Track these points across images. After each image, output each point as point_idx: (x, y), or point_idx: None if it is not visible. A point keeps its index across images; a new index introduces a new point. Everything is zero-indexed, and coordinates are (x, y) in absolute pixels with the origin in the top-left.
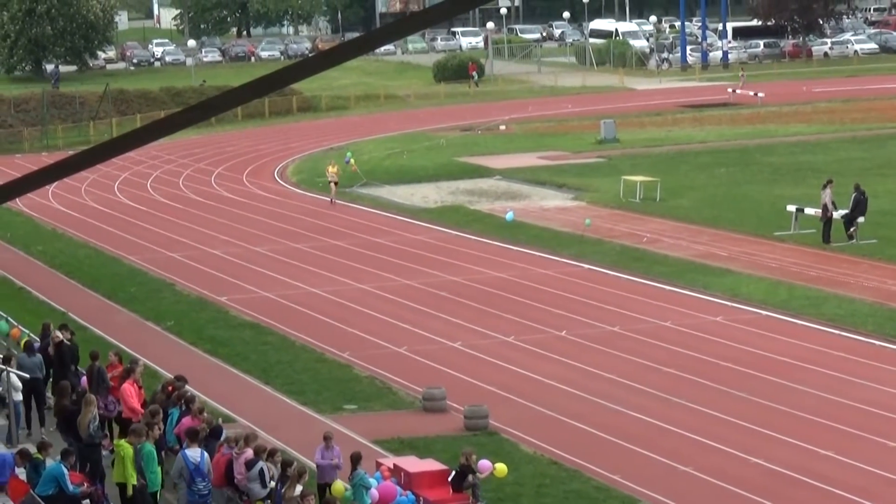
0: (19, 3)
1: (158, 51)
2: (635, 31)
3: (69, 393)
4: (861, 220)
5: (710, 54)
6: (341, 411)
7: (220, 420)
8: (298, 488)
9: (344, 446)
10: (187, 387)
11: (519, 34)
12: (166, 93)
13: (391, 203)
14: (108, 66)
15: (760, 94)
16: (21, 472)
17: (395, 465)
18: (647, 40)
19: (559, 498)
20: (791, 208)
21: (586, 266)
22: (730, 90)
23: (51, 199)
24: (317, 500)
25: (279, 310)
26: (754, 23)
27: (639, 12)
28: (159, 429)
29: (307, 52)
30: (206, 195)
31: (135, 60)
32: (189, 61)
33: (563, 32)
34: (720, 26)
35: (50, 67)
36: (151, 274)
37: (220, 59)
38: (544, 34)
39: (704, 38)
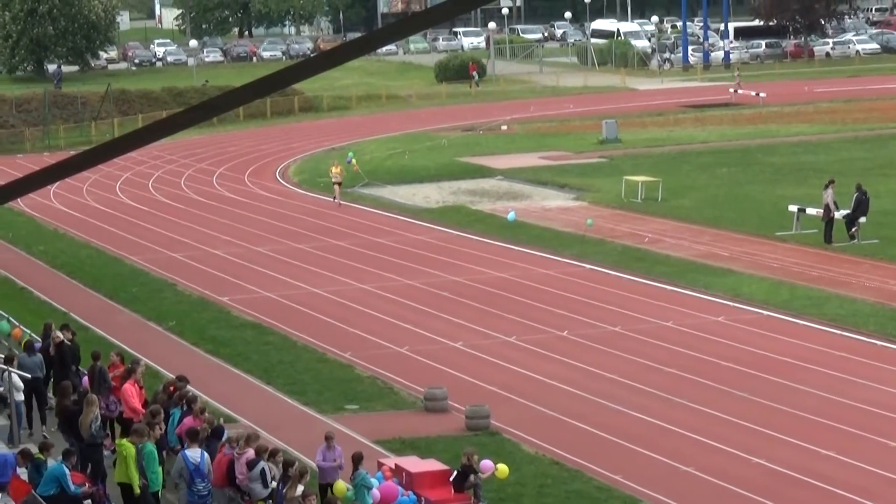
0: (21, 3)
1: (160, 51)
2: (637, 31)
3: (70, 393)
4: (863, 220)
5: (712, 54)
6: (343, 411)
7: (222, 420)
8: (300, 488)
9: (345, 446)
10: (189, 387)
11: (520, 34)
12: (168, 93)
13: (393, 203)
14: (110, 67)
15: (762, 95)
16: (23, 472)
17: (396, 465)
18: (649, 40)
19: (561, 498)
20: (793, 208)
21: (588, 266)
22: (731, 90)
23: (52, 199)
24: (318, 500)
25: (281, 310)
26: (756, 23)
27: (640, 12)
28: (160, 429)
29: (309, 52)
30: (208, 195)
31: (136, 60)
32: (191, 61)
33: (564, 32)
34: (722, 26)
35: (52, 67)
36: (153, 274)
37: (221, 59)
38: (546, 34)
39: (706, 38)
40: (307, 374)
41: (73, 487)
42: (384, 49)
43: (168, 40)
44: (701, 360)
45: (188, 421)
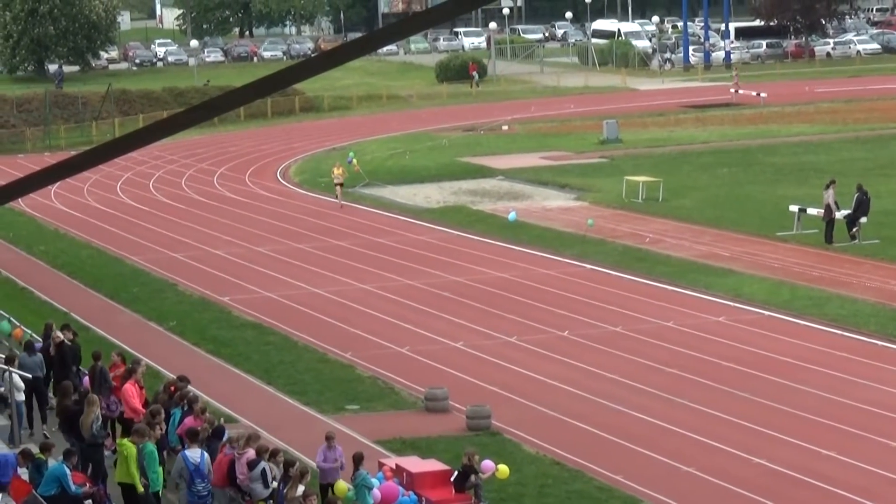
0: (22, 3)
1: (161, 51)
2: (638, 31)
3: (71, 393)
4: (863, 220)
5: (713, 54)
6: (343, 411)
7: (222, 420)
8: (301, 488)
9: (346, 446)
10: (190, 387)
11: (521, 34)
12: (169, 93)
13: (394, 203)
14: (111, 67)
15: (763, 95)
16: (23, 472)
17: (397, 465)
18: (650, 40)
19: (561, 498)
20: (793, 208)
21: (589, 266)
22: (732, 91)
23: (53, 199)
24: (319, 501)
25: (281, 310)
26: (757, 23)
27: (641, 12)
28: (161, 429)
29: (310, 52)
30: (209, 195)
31: (137, 60)
32: (191, 61)
33: (565, 33)
34: (723, 26)
35: (53, 68)
36: (154, 274)
37: (222, 59)
38: (547, 34)
39: (707, 38)
40: (308, 375)
41: (73, 487)
42: (385, 49)
43: (169, 40)
44: (702, 360)
45: (189, 421)
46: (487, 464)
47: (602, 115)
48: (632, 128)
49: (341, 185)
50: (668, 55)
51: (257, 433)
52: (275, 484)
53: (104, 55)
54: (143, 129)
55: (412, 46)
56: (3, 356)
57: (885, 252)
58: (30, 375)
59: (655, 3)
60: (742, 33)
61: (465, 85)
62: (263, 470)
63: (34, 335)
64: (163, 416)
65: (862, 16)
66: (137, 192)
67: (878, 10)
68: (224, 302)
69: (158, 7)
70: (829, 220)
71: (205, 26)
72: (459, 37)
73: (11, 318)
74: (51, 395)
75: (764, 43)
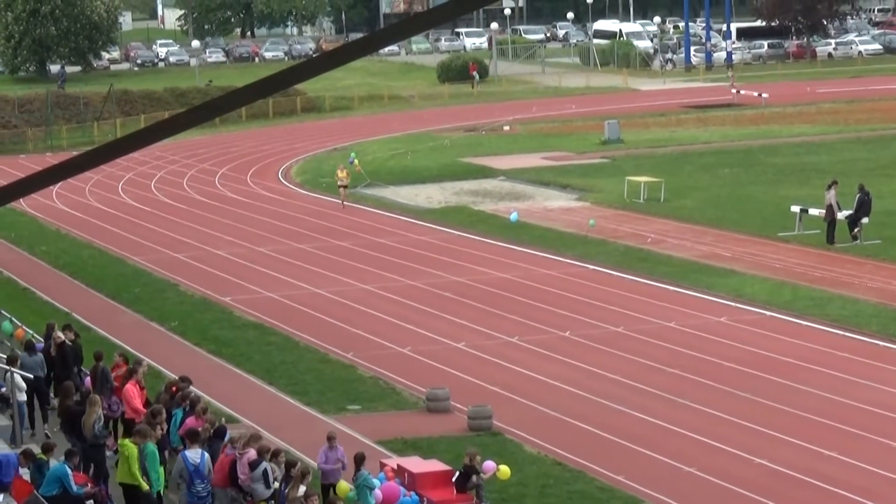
0: (23, 3)
1: (162, 51)
2: (639, 31)
3: (73, 393)
4: (865, 220)
5: (714, 55)
6: (345, 412)
7: (223, 420)
8: (302, 489)
9: (347, 447)
10: (191, 387)
11: (523, 35)
12: (170, 93)
13: (395, 203)
14: (112, 67)
15: (764, 95)
16: (25, 473)
17: (398, 465)
18: (651, 41)
19: (563, 498)
20: (795, 209)
21: (590, 267)
22: (733, 91)
23: (55, 199)
24: (320, 501)
25: (283, 310)
26: (758, 23)
27: (643, 13)
28: (162, 429)
29: (311, 52)
30: (210, 196)
31: (139, 61)
32: (193, 62)
33: (566, 33)
34: (724, 27)
35: (55, 68)
36: (155, 274)
37: (224, 59)
38: (548, 35)
39: (708, 38)
40: (309, 375)
41: (75, 488)
42: (386, 49)
43: (170, 41)
44: (703, 360)
45: (190, 421)
46: (489, 464)
47: (603, 116)
48: (633, 128)
49: (345, 187)
50: (669, 55)
51: (259, 433)
52: (276, 484)
53: (106, 56)
54: (144, 129)
55: (414, 47)
56: (5, 356)
57: (886, 252)
58: (31, 375)
59: (657, 4)
60: (743, 34)
61: (467, 85)
62: (265, 470)
63: (36, 335)
64: (164, 416)
65: (863, 16)
66: (139, 192)
67: (879, 10)
68: (225, 302)
69: (160, 7)
70: (830, 220)
71: (206, 27)
72: (461, 37)
73: (13, 319)
74: (52, 395)
75: (765, 43)
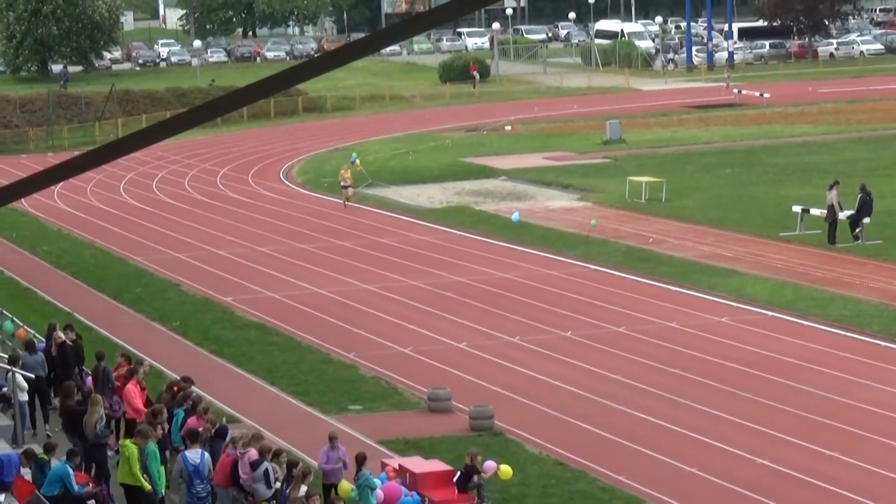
0: (25, 3)
1: (164, 51)
2: (641, 31)
3: (74, 393)
4: (867, 220)
5: (716, 55)
6: (346, 412)
7: (224, 420)
8: (303, 489)
9: (349, 447)
10: (193, 388)
11: (524, 35)
12: (172, 93)
13: (396, 203)
14: (114, 67)
15: (766, 95)
16: (26, 473)
17: (400, 465)
18: (653, 41)
19: (564, 498)
20: (796, 209)
21: (592, 267)
22: (735, 91)
23: (56, 199)
24: (322, 501)
25: (285, 310)
26: (760, 23)
27: (644, 13)
28: (163, 429)
29: (313, 52)
30: (212, 195)
31: (140, 61)
32: (195, 62)
33: (568, 33)
34: (726, 27)
35: (57, 68)
36: (157, 274)
37: (225, 59)
38: (550, 35)
39: (710, 38)
40: (311, 375)
41: (76, 487)
42: (388, 49)
43: (172, 41)
44: (705, 360)
45: (192, 421)
46: (489, 464)
47: (605, 116)
48: (635, 128)
49: (348, 187)
50: (671, 55)
51: (260, 433)
52: (278, 484)
53: (107, 55)
54: (146, 129)
55: (415, 47)
56: (7, 356)
57: (888, 252)
58: (32, 375)
59: (658, 4)
60: (745, 34)
61: (468, 85)
62: (266, 470)
63: (37, 335)
64: (165, 415)
65: (865, 16)
66: (140, 192)
67: (881, 10)
68: (227, 302)
69: (162, 7)
70: (832, 220)
71: (208, 27)
72: (462, 37)
73: (14, 319)
74: (53, 395)
75: (767, 43)
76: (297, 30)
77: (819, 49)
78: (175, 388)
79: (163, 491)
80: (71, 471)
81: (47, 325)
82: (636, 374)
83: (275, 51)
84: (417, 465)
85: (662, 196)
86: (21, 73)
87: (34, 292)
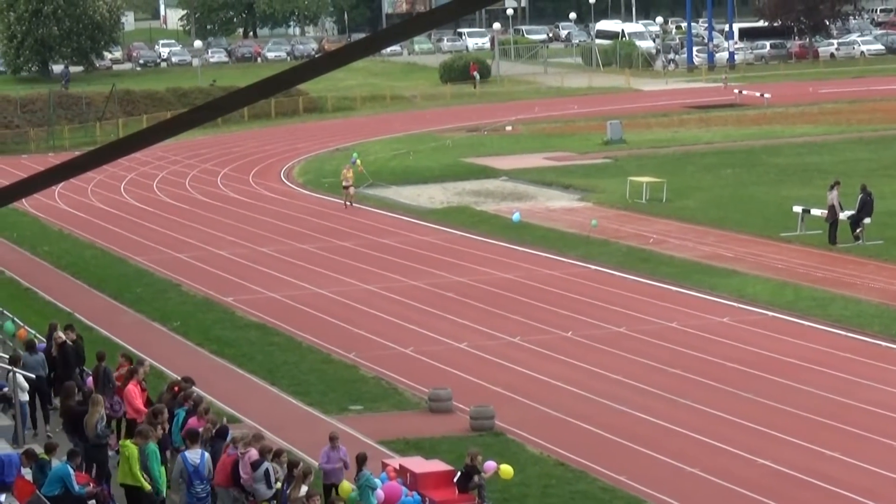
0: (26, 3)
1: (165, 51)
2: (641, 31)
3: (75, 393)
4: (867, 221)
5: (717, 55)
6: (347, 412)
7: (225, 420)
8: (304, 489)
9: (350, 447)
10: (194, 388)
11: (525, 35)
12: (173, 93)
13: (397, 204)
14: (115, 67)
15: (767, 95)
16: (27, 473)
17: (400, 465)
18: (654, 41)
19: (565, 498)
20: (797, 209)
21: (592, 267)
22: (736, 91)
23: (57, 199)
24: (322, 501)
25: (285, 310)
26: (761, 24)
27: (645, 13)
28: (163, 429)
29: (313, 52)
30: (213, 196)
31: (141, 61)
32: (195, 62)
33: (569, 33)
34: (726, 27)
35: (58, 68)
36: (157, 274)
37: (226, 59)
38: (550, 35)
39: (711, 38)
40: (312, 375)
41: (77, 488)
42: (389, 50)
43: (173, 41)
44: (705, 360)
45: (193, 421)
46: (490, 464)
47: (606, 116)
48: (635, 128)
49: (348, 187)
50: (671, 56)
51: (261, 433)
52: (278, 485)
53: (108, 56)
54: (146, 129)
55: (416, 47)
56: (8, 357)
57: (888, 253)
58: (33, 375)
59: (659, 4)
60: (746, 34)
61: (469, 85)
62: (267, 470)
63: (38, 335)
64: (166, 415)
65: (866, 16)
66: (141, 192)
67: (882, 10)
68: (228, 302)
69: (162, 7)
70: (832, 220)
71: (209, 27)
72: (463, 37)
73: (15, 319)
74: (53, 395)
75: (768, 44)
76: (297, 30)
77: (820, 49)
78: (176, 389)
79: (164, 491)
80: (72, 471)
81: (48, 325)
82: (637, 374)
83: (275, 51)
84: (418, 465)
85: (663, 196)
86: (22, 73)
87: (35, 292)
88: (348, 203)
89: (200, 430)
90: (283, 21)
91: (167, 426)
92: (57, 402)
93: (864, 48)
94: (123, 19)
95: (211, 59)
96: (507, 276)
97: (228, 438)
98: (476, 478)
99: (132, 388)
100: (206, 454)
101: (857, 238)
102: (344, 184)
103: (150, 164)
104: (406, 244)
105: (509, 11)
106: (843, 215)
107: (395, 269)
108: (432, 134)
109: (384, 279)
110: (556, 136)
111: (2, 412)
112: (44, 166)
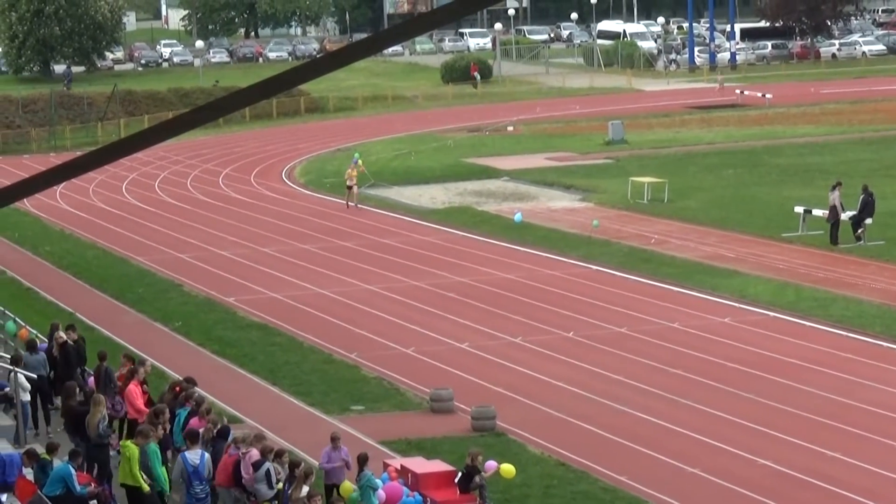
0: (27, 3)
1: (166, 51)
2: (643, 32)
3: (76, 393)
4: (869, 221)
5: (718, 55)
6: (349, 412)
7: (225, 420)
8: (305, 489)
9: (351, 447)
10: (196, 389)
11: (527, 35)
12: (174, 93)
13: (399, 204)
14: (116, 67)
15: (768, 96)
16: (28, 473)
17: (402, 465)
18: (655, 41)
19: (566, 499)
20: (799, 209)
21: (594, 267)
22: (737, 91)
23: (59, 199)
24: (324, 501)
25: (287, 311)
26: (762, 24)
27: (647, 13)
28: (164, 429)
29: (315, 52)
30: (214, 196)
31: (143, 61)
32: (197, 62)
33: (570, 33)
34: (728, 27)
35: (60, 68)
36: (159, 275)
37: (227, 59)
38: (552, 35)
39: (712, 39)
40: (313, 375)
41: (78, 488)
42: (390, 50)
43: (174, 41)
44: (707, 361)
45: (194, 422)
46: (491, 463)
47: (607, 116)
48: (637, 129)
49: (350, 187)
50: (673, 56)
51: (262, 434)
52: (280, 485)
53: (110, 56)
54: (148, 129)
55: (417, 47)
56: (9, 357)
57: (890, 253)
58: (34, 375)
59: (661, 4)
60: (747, 34)
61: (470, 86)
62: (268, 471)
63: (40, 335)
64: (167, 415)
65: (867, 17)
66: (143, 192)
67: (883, 10)
68: (229, 302)
69: (164, 8)
70: (834, 221)
71: (210, 27)
72: (465, 37)
73: (17, 319)
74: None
75: (769, 44)
76: (299, 30)
77: (821, 50)
78: (177, 389)
79: (169, 490)
80: (73, 471)
81: (49, 325)
82: (638, 374)
83: (277, 51)
84: (419, 465)
85: (664, 197)
86: (23, 73)
87: (36, 292)
88: (351, 203)
89: (201, 430)
90: (285, 21)
91: (168, 426)
92: (58, 402)
93: (865, 48)
94: (125, 19)
95: (212, 60)
96: (509, 277)
97: (230, 439)
98: (477, 478)
99: (133, 389)
100: (206, 455)
101: (858, 238)
102: (348, 183)
103: (151, 164)
104: (407, 244)
105: (511, 12)
106: (845, 216)
107: (396, 269)
108: (434, 134)
109: (386, 279)
110: (558, 136)
111: (3, 412)
112: (45, 166)
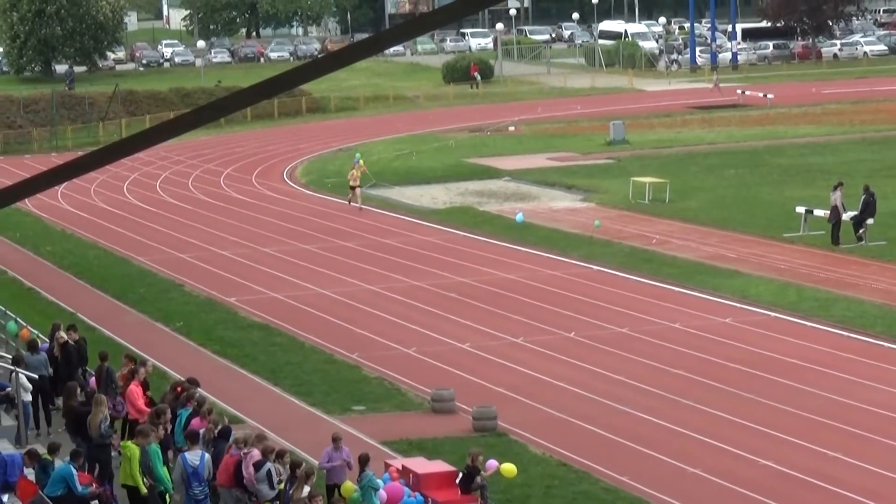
0: (29, 3)
1: (168, 51)
2: (644, 32)
3: (77, 394)
4: (870, 221)
5: (720, 56)
6: (350, 412)
7: (226, 420)
8: (306, 489)
9: (352, 447)
10: (198, 389)
11: (528, 35)
12: (175, 93)
13: (400, 204)
14: (118, 67)
15: (770, 96)
16: (30, 473)
17: (403, 466)
18: (657, 41)
19: (568, 499)
20: (800, 210)
21: (595, 267)
22: (739, 91)
23: (60, 199)
24: (325, 501)
25: (288, 311)
26: (764, 24)
27: (648, 13)
28: (165, 429)
29: (316, 53)
30: (215, 196)
31: (144, 61)
32: (198, 62)
33: (572, 34)
34: (729, 28)
35: (61, 68)
36: (160, 275)
37: (229, 59)
38: (553, 35)
39: (714, 39)
40: (314, 375)
41: (80, 488)
42: (391, 50)
43: (176, 41)
44: (708, 361)
45: (195, 422)
46: (491, 463)
47: (609, 116)
48: (638, 129)
49: (356, 187)
50: (674, 56)
51: (263, 434)
52: (281, 485)
53: (111, 56)
54: (149, 129)
55: (419, 47)
56: (11, 357)
57: (891, 253)
58: (36, 375)
59: (662, 5)
60: (749, 34)
61: (471, 86)
62: (269, 471)
63: (41, 335)
64: (168, 416)
65: (869, 17)
66: (144, 192)
67: (885, 11)
68: (230, 303)
69: (165, 8)
70: (835, 221)
71: (212, 27)
72: (466, 38)
73: (18, 319)
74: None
75: (771, 44)
76: (300, 30)
77: (823, 50)
78: (178, 389)
79: (171, 489)
80: (74, 471)
81: (51, 325)
82: (639, 374)
83: (278, 51)
84: (421, 465)
85: (666, 197)
86: (25, 73)
87: (38, 292)
88: (355, 204)
89: (201, 431)
90: (286, 21)
91: (169, 426)
92: (59, 402)
93: (867, 49)
94: (126, 19)
95: (214, 60)
96: (510, 277)
97: (231, 439)
98: (478, 479)
99: (134, 389)
100: (206, 455)
101: (859, 239)
102: (351, 183)
103: (153, 164)
104: (409, 244)
105: (512, 12)
106: (846, 216)
107: (397, 269)
108: (435, 134)
109: (387, 279)
110: (559, 136)
111: (5, 412)
112: (47, 166)
